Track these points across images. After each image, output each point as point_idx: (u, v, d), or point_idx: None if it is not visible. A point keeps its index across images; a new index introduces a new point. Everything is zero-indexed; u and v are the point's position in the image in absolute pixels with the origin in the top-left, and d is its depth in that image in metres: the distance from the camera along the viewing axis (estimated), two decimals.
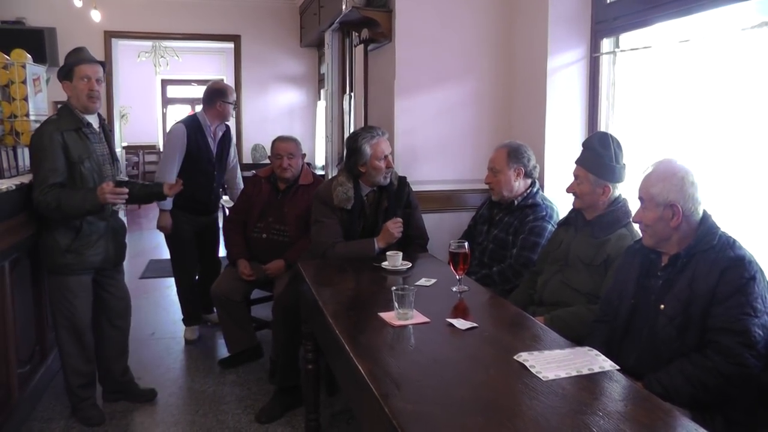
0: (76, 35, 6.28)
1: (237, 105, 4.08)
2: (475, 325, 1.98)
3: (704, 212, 1.98)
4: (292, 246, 3.56)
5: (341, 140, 4.93)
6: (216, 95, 3.92)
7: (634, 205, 2.20)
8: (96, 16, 6.50)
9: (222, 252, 4.19)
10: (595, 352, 1.74)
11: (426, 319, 2.04)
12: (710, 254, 1.90)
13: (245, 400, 3.22)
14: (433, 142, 3.60)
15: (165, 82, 12.92)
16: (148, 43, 10.40)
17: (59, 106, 2.99)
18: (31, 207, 2.83)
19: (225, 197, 4.67)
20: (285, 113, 7.58)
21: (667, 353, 1.91)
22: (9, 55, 3.53)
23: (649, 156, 2.70)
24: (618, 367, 1.65)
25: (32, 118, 3.58)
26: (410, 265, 2.70)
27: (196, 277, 4.18)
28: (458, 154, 3.64)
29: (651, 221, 1.99)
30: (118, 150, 6.99)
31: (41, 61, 4.71)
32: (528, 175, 3.02)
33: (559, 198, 3.05)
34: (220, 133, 4.02)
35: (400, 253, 2.71)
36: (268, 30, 7.35)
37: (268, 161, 3.97)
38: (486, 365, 1.74)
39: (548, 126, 3.30)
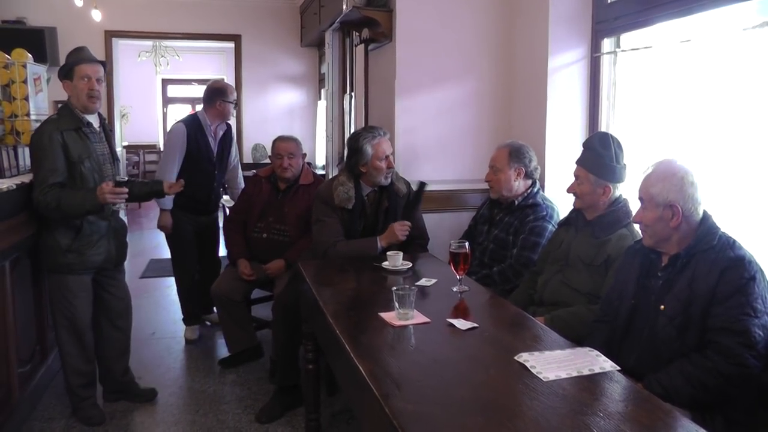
0: (76, 35, 6.28)
1: (237, 105, 4.07)
2: (476, 325, 1.98)
3: (704, 212, 1.98)
4: (293, 246, 3.56)
5: (342, 140, 4.93)
6: (216, 94, 3.91)
7: (634, 206, 2.20)
8: (96, 15, 6.51)
9: (222, 252, 4.19)
10: (596, 352, 1.74)
11: (426, 319, 2.04)
12: (710, 254, 1.90)
13: (245, 399, 3.22)
14: (433, 142, 3.60)
15: (165, 82, 12.93)
16: (149, 43, 10.41)
17: (59, 105, 2.99)
18: (32, 207, 2.82)
19: (225, 197, 4.67)
20: (285, 113, 7.58)
21: (667, 353, 1.91)
22: (10, 55, 3.53)
23: (649, 156, 2.70)
24: (618, 368, 1.65)
25: (33, 117, 3.58)
26: (411, 265, 2.70)
27: (196, 277, 4.18)
28: (458, 154, 3.64)
29: (651, 221, 1.99)
30: (119, 149, 6.98)
31: (42, 61, 4.71)
32: (528, 175, 3.02)
33: (559, 198, 3.05)
34: (221, 133, 4.02)
35: (401, 253, 2.71)
36: (268, 30, 7.35)
37: (268, 161, 3.97)
38: (486, 365, 1.74)
39: (549, 126, 3.29)
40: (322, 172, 5.68)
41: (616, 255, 2.36)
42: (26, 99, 3.56)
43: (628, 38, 3.12)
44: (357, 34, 4.22)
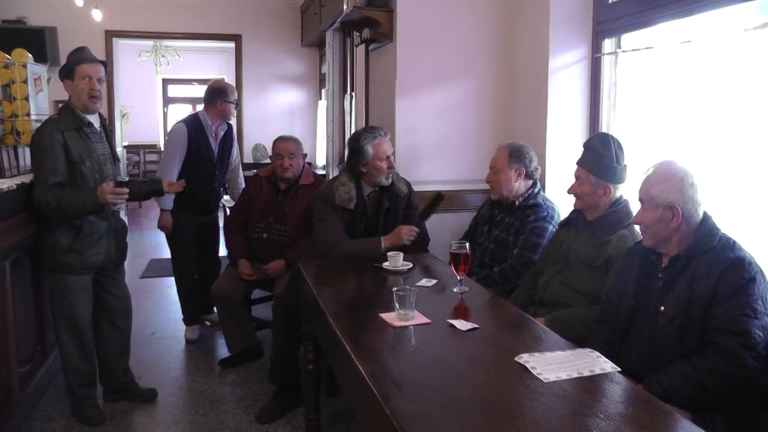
0: (77, 35, 6.28)
1: (238, 105, 4.07)
2: (476, 326, 1.98)
3: (704, 213, 1.98)
4: (293, 246, 3.57)
5: (342, 140, 4.93)
6: (216, 94, 3.91)
7: (635, 206, 2.20)
8: (97, 15, 6.51)
9: (222, 251, 4.19)
10: (596, 353, 1.74)
11: (427, 320, 2.03)
12: (710, 255, 1.90)
13: (245, 399, 3.22)
14: (433, 142, 3.60)
15: (166, 82, 12.92)
16: (149, 43, 10.41)
17: (60, 105, 2.99)
18: (32, 207, 2.82)
19: (226, 197, 4.67)
20: (286, 113, 7.58)
21: (667, 354, 1.91)
22: (10, 55, 3.53)
23: (650, 157, 2.70)
24: (619, 369, 1.65)
25: (33, 117, 3.58)
26: (411, 265, 2.70)
27: (196, 277, 4.17)
28: (459, 155, 3.64)
29: (651, 222, 1.99)
30: (119, 149, 6.98)
31: (42, 61, 4.71)
32: (529, 176, 3.02)
33: (560, 198, 3.05)
34: (222, 133, 4.02)
35: (401, 254, 2.71)
36: (268, 29, 7.35)
37: (268, 161, 3.96)
38: (487, 366, 1.74)
39: (549, 126, 3.29)
40: (323, 172, 5.68)
41: (616, 256, 2.36)
42: (26, 99, 3.56)
43: (628, 39, 3.12)
44: (358, 34, 4.22)
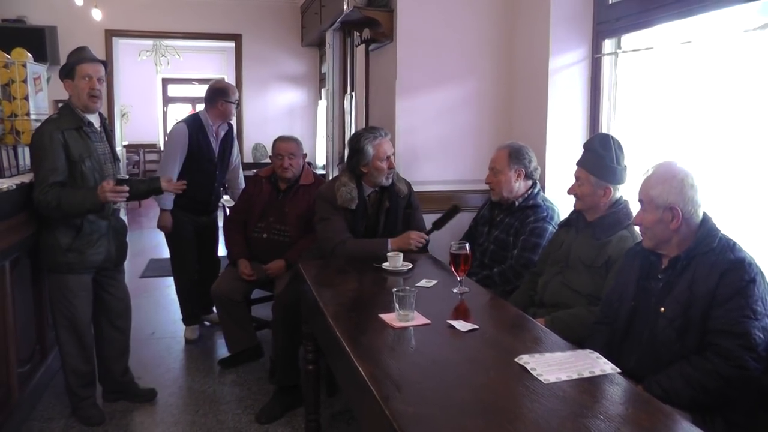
0: (77, 34, 6.28)
1: (238, 104, 4.06)
2: (476, 326, 1.98)
3: (704, 215, 1.98)
4: (293, 246, 3.56)
5: (342, 140, 4.93)
6: (217, 94, 3.91)
7: (635, 207, 2.20)
8: (97, 14, 6.50)
9: (222, 251, 4.19)
10: (596, 354, 1.74)
11: (427, 321, 2.03)
12: (710, 257, 1.90)
13: (245, 400, 3.22)
14: (434, 142, 3.60)
15: (166, 81, 12.91)
16: (149, 42, 10.40)
17: (60, 105, 2.99)
18: (32, 206, 2.82)
19: (226, 196, 4.67)
20: (286, 113, 7.57)
21: (667, 355, 1.91)
22: (10, 54, 3.53)
23: (650, 158, 2.70)
24: (619, 370, 1.65)
25: (33, 117, 3.57)
26: (411, 266, 2.70)
27: (195, 277, 4.17)
28: (459, 155, 3.63)
29: (651, 223, 1.99)
30: (119, 149, 6.98)
31: (42, 60, 4.71)
32: (529, 176, 3.02)
33: (559, 199, 3.05)
34: (222, 133, 4.02)
35: (401, 254, 2.71)
36: (269, 29, 7.34)
37: (268, 161, 3.96)
38: (487, 367, 1.74)
39: (549, 127, 3.29)
40: (323, 172, 5.68)
41: (616, 256, 2.36)
42: (26, 98, 3.55)
43: (629, 39, 3.12)
44: (358, 34, 4.22)
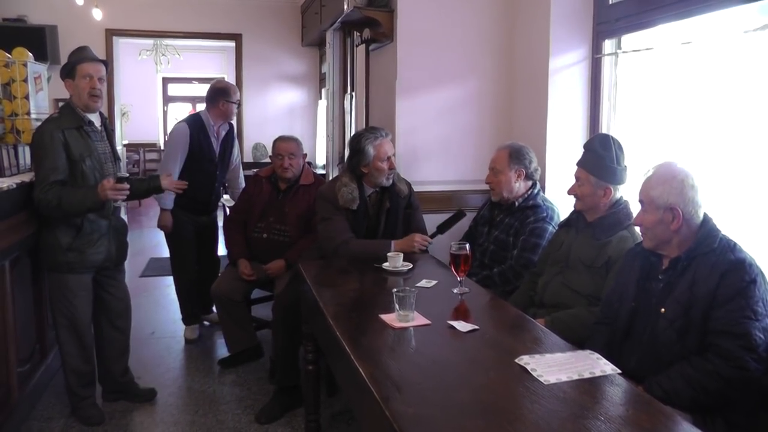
0: (77, 33, 6.28)
1: (239, 104, 4.06)
2: (476, 327, 1.98)
3: (705, 215, 1.98)
4: (293, 246, 3.56)
5: (342, 140, 4.93)
6: (219, 94, 3.90)
7: (635, 207, 2.20)
8: (97, 14, 6.50)
9: (221, 251, 4.19)
10: (597, 355, 1.74)
11: (427, 321, 2.03)
12: (711, 257, 1.90)
13: (245, 400, 3.21)
14: (434, 143, 3.60)
15: (166, 80, 12.91)
16: (150, 41, 10.40)
17: (60, 104, 2.99)
18: (32, 205, 2.82)
19: (226, 196, 4.67)
20: (286, 112, 7.57)
21: (667, 356, 1.91)
22: (10, 53, 3.53)
23: (650, 158, 2.70)
24: (619, 371, 1.65)
25: (33, 116, 3.57)
26: (411, 266, 2.70)
27: (195, 277, 4.16)
28: (459, 155, 3.64)
29: (651, 224, 1.99)
30: (119, 148, 6.98)
31: (42, 59, 4.71)
32: (529, 177, 3.02)
33: (560, 199, 3.05)
34: (223, 133, 4.01)
35: (401, 254, 2.71)
36: (269, 29, 7.34)
37: (268, 160, 3.96)
38: (487, 368, 1.74)
39: (549, 127, 3.29)
40: (323, 172, 5.68)
41: (616, 257, 2.36)
42: (26, 98, 3.55)
43: (629, 40, 3.12)
44: (358, 34, 4.22)
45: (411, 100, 3.54)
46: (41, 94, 3.78)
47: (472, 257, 2.50)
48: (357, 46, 4.39)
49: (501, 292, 2.83)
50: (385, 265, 2.68)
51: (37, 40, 6.15)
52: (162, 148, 11.90)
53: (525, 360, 1.69)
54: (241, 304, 3.61)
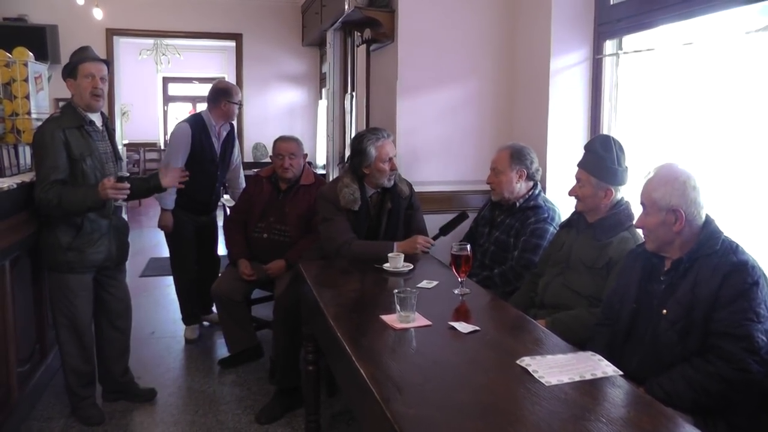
0: (77, 33, 6.28)
1: (240, 105, 4.05)
2: (477, 328, 1.98)
3: (707, 216, 1.98)
4: (293, 246, 3.56)
5: (342, 140, 4.93)
6: (221, 95, 3.90)
7: (636, 208, 2.20)
8: (98, 13, 6.50)
9: (221, 251, 4.18)
10: (598, 356, 1.73)
11: (428, 322, 2.03)
12: (713, 259, 1.89)
13: (245, 400, 3.21)
14: (435, 143, 3.60)
15: (166, 80, 12.90)
16: (150, 41, 10.40)
17: (60, 104, 2.99)
18: (32, 205, 2.82)
19: (226, 196, 4.66)
20: (286, 112, 7.57)
21: (668, 357, 1.91)
22: (11, 53, 3.53)
23: (651, 159, 2.70)
24: (621, 373, 1.64)
25: (34, 116, 3.57)
26: (412, 266, 2.70)
27: (195, 276, 4.16)
28: (460, 155, 3.63)
29: (653, 226, 1.98)
30: (120, 148, 6.98)
31: (43, 59, 4.71)
32: (530, 177, 3.02)
33: (560, 200, 3.05)
34: (225, 133, 4.01)
35: (402, 255, 2.71)
36: (269, 29, 7.34)
37: (269, 160, 3.96)
38: (488, 369, 1.74)
39: (550, 128, 3.29)
40: (323, 172, 5.68)
41: (617, 258, 2.36)
42: (27, 97, 3.55)
43: (630, 40, 3.12)
44: (359, 34, 4.21)
45: (412, 100, 3.54)
46: (42, 94, 3.78)
47: (472, 258, 2.49)
48: (358, 46, 4.39)
49: (501, 292, 2.83)
50: (386, 265, 2.68)
51: (38, 39, 6.15)
52: (162, 147, 11.91)
53: (526, 361, 1.69)
54: (242, 304, 3.61)
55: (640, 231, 2.14)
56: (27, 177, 3.06)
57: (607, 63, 3.23)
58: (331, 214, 3.00)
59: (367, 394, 1.59)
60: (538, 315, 2.50)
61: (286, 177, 3.59)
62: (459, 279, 2.38)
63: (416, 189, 3.22)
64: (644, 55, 2.99)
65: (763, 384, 1.79)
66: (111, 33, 6.91)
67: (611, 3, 3.15)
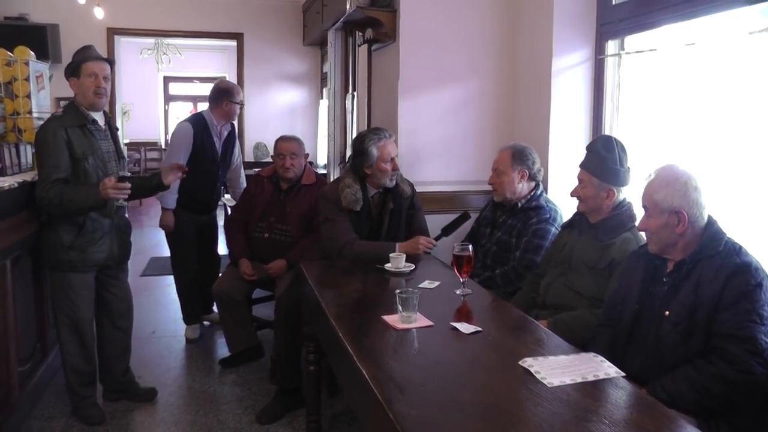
0: (78, 32, 6.28)
1: (242, 105, 4.05)
2: (479, 329, 1.97)
3: (709, 217, 1.97)
4: (294, 246, 3.56)
5: (343, 140, 4.93)
6: (222, 95, 3.90)
7: (638, 209, 2.19)
8: (99, 13, 6.50)
9: (222, 250, 4.17)
10: (601, 358, 1.73)
11: (429, 323, 2.03)
12: (716, 260, 1.89)
13: (246, 400, 3.21)
14: (436, 143, 3.60)
15: (167, 79, 12.90)
16: (151, 40, 10.39)
17: (62, 102, 2.99)
18: (33, 204, 2.82)
19: (227, 195, 4.66)
20: (287, 112, 7.57)
21: (671, 359, 1.90)
22: (12, 52, 3.53)
23: (654, 160, 2.69)
24: (624, 374, 1.64)
25: (35, 115, 3.57)
26: (413, 267, 2.70)
27: (195, 276, 4.15)
28: (461, 155, 3.63)
29: (656, 228, 1.98)
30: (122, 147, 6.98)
31: (44, 58, 4.71)
32: (532, 177, 3.01)
33: (562, 200, 3.04)
34: (225, 133, 4.01)
35: (404, 255, 2.71)
36: (270, 28, 7.33)
37: (270, 160, 3.95)
38: (490, 370, 1.73)
39: (552, 128, 3.29)
40: (324, 172, 5.67)
41: (619, 258, 2.35)
42: (28, 96, 3.55)
43: (632, 40, 3.11)
44: (360, 33, 4.21)
45: (413, 100, 3.54)
46: (43, 93, 3.78)
47: (474, 258, 2.49)
48: (359, 45, 4.38)
49: (503, 293, 2.82)
50: (388, 265, 2.68)
51: (39, 38, 6.14)
52: (163, 147, 11.91)
53: (529, 362, 1.69)
54: (242, 304, 3.60)
55: (643, 234, 2.13)
56: (28, 176, 3.06)
57: (609, 63, 3.23)
58: (332, 214, 2.99)
59: (369, 394, 1.59)
60: (540, 316, 2.49)
61: (287, 177, 3.59)
62: (461, 279, 2.38)
63: (418, 189, 3.22)
64: (646, 55, 2.98)
65: (766, 386, 1.79)
66: (112, 32, 6.90)
67: (613, 3, 3.15)
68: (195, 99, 12.79)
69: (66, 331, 2.92)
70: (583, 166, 2.55)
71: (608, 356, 1.77)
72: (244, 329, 3.60)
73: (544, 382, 1.58)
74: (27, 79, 3.54)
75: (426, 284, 2.47)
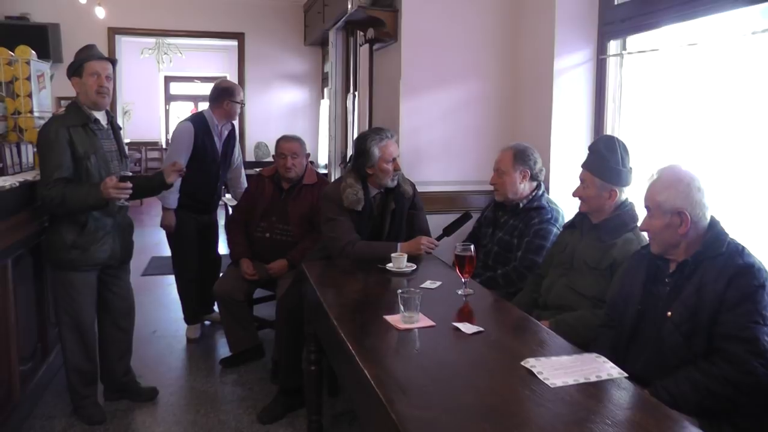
0: (80, 32, 6.29)
1: (243, 104, 4.05)
2: (481, 329, 1.97)
3: (712, 218, 1.97)
4: (296, 246, 3.55)
5: (344, 139, 4.92)
6: (223, 94, 3.89)
7: (640, 209, 2.19)
8: (100, 12, 6.51)
9: (223, 250, 4.17)
10: (603, 358, 1.73)
11: (431, 323, 2.02)
12: (719, 261, 1.89)
13: (247, 400, 3.21)
14: (437, 143, 3.59)
15: (168, 79, 12.91)
16: (152, 40, 10.40)
17: (63, 102, 2.99)
18: (35, 204, 2.82)
19: (228, 195, 4.66)
20: (288, 112, 7.57)
21: (673, 360, 1.90)
22: (13, 51, 3.53)
23: (656, 160, 2.69)
24: (626, 375, 1.64)
25: (36, 114, 3.58)
26: (415, 267, 2.69)
27: (196, 276, 4.15)
28: (463, 155, 3.63)
29: (658, 229, 1.97)
30: None
31: (45, 57, 4.71)
32: (534, 177, 3.01)
33: (564, 200, 3.04)
34: (226, 132, 4.01)
35: (405, 255, 2.70)
36: (271, 28, 7.34)
37: (271, 159, 3.95)
38: (492, 370, 1.73)
39: (554, 128, 3.28)
40: (325, 172, 5.67)
41: (621, 259, 2.35)
42: (29, 96, 3.56)
43: (634, 40, 3.11)
44: (362, 33, 4.21)
45: (415, 100, 3.54)
46: (44, 93, 3.78)
47: (476, 258, 2.49)
48: (360, 45, 4.38)
49: (505, 293, 2.82)
50: (389, 265, 2.67)
51: (40, 38, 6.16)
52: (164, 146, 11.92)
53: (531, 363, 1.68)
54: (243, 304, 3.60)
55: (646, 235, 2.12)
56: (29, 175, 3.06)
57: (611, 63, 3.22)
58: (334, 214, 2.99)
59: (371, 395, 1.58)
60: (542, 316, 2.49)
61: (288, 176, 3.59)
62: (462, 279, 2.37)
63: (419, 189, 3.21)
64: (648, 55, 2.98)
65: None
66: (113, 32, 6.91)
67: (615, 3, 3.14)
68: (196, 99, 12.80)
69: (67, 330, 2.92)
70: (585, 166, 2.54)
71: (610, 357, 1.77)
72: (245, 329, 3.60)
73: (547, 382, 1.58)
74: (28, 79, 3.55)
75: (428, 284, 2.46)
